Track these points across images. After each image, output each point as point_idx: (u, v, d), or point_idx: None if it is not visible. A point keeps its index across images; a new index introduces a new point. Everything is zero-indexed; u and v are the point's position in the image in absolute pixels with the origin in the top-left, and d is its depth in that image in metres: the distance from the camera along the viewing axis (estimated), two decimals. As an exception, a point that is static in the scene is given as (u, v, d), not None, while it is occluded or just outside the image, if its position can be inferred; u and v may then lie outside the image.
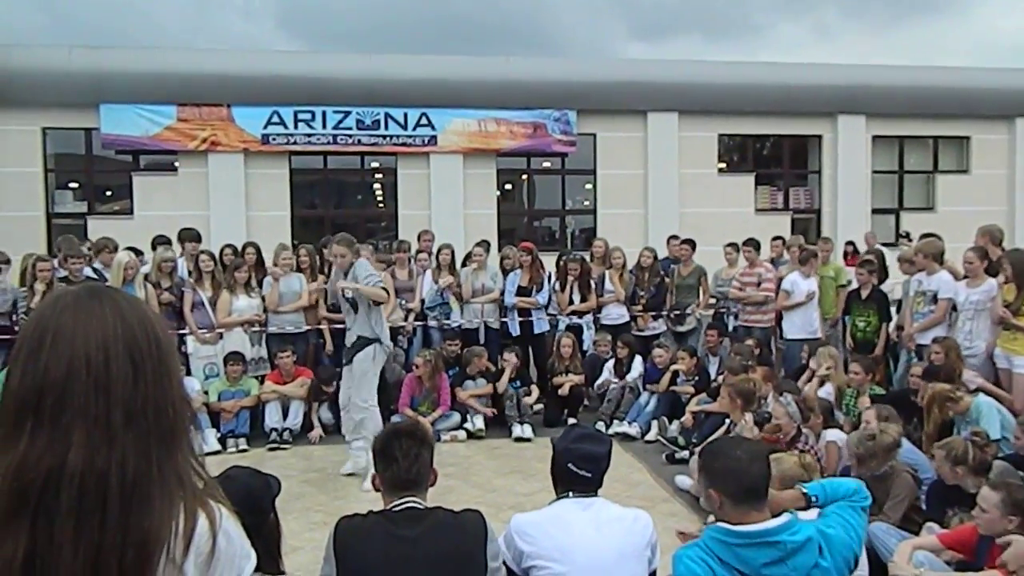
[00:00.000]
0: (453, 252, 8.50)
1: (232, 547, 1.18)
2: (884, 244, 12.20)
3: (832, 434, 5.08)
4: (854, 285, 7.67)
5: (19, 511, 1.05)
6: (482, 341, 8.12)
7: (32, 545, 1.05)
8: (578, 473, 2.77)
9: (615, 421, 7.36)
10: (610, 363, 7.84)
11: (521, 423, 7.24)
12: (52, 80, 11.22)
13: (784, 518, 2.35)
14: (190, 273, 7.84)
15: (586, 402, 8.07)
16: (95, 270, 7.95)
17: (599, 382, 7.81)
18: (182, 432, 1.20)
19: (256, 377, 7.39)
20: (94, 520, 1.07)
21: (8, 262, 7.88)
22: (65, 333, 1.12)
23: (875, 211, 13.71)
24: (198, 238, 8.32)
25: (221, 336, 7.47)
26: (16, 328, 6.96)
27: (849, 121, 13.41)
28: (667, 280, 8.61)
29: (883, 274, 8.00)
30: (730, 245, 8.70)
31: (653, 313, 8.42)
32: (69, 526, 1.05)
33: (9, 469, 1.06)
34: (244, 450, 6.79)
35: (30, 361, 1.11)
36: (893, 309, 7.56)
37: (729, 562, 2.28)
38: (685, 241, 8.89)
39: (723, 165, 13.70)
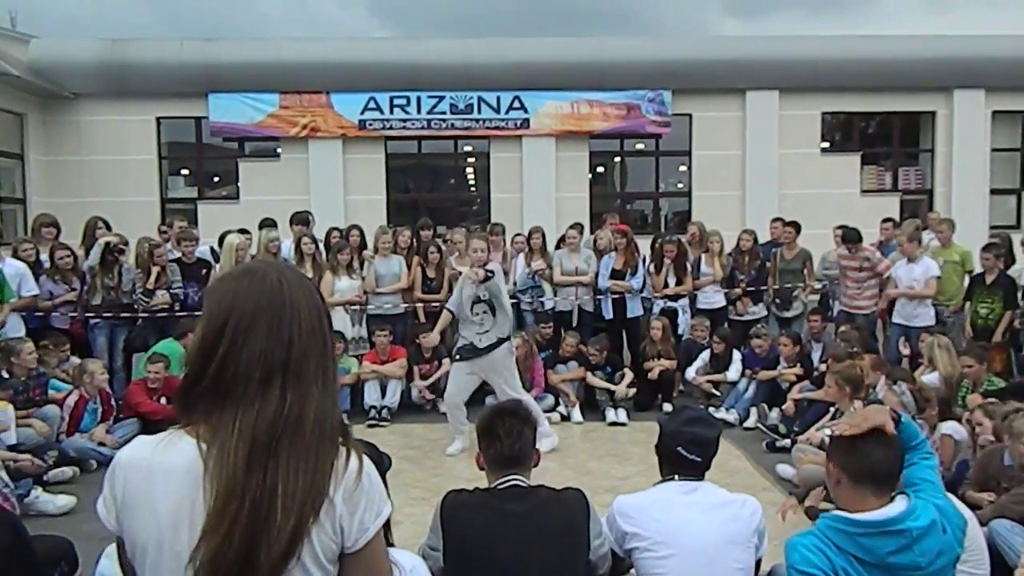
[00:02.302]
0: (544, 235, 8.50)
1: (374, 489, 1.35)
2: (1003, 227, 11.47)
3: (948, 427, 4.81)
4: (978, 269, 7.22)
5: (268, 452, 1.25)
6: (575, 324, 8.09)
7: (276, 479, 1.24)
8: (687, 457, 2.72)
9: (712, 407, 7.21)
10: (705, 354, 7.65)
11: (615, 407, 7.19)
12: (165, 72, 11.81)
13: (902, 503, 2.23)
14: (295, 254, 8.12)
15: (680, 387, 7.93)
16: (212, 250, 8.36)
17: (689, 375, 7.63)
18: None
19: (356, 356, 7.61)
20: (316, 456, 1.28)
21: (127, 244, 8.34)
22: (298, 304, 1.34)
23: (994, 191, 12.84)
24: (306, 222, 8.60)
25: (323, 316, 7.71)
26: (136, 307, 7.39)
27: (966, 96, 12.56)
28: (768, 264, 8.34)
29: (1010, 259, 7.50)
30: (840, 227, 8.35)
31: (751, 293, 8.19)
32: (305, 463, 1.26)
33: (263, 418, 1.26)
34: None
35: (273, 330, 1.31)
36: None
37: (850, 551, 2.18)
38: (790, 224, 8.58)
39: (826, 144, 13.10)
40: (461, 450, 6.20)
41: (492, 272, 5.96)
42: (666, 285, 8.20)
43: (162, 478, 1.28)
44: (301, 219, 8.58)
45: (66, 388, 6.39)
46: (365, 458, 1.36)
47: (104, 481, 1.35)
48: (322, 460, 1.28)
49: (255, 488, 1.22)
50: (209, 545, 1.21)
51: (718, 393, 7.43)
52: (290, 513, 1.23)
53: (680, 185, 13.31)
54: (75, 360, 6.86)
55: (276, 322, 1.31)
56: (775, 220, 9.12)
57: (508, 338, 6.14)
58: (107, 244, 7.30)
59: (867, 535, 2.18)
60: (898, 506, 2.23)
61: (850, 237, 7.92)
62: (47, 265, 7.32)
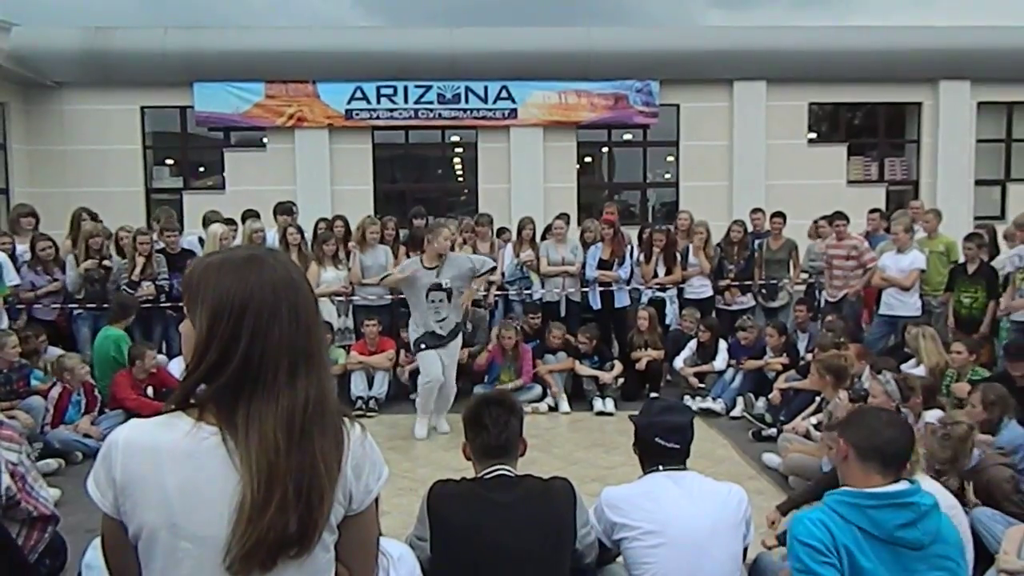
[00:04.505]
0: (535, 226, 8.49)
1: (374, 453, 1.44)
2: (988, 218, 11.56)
3: (933, 415, 4.83)
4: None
5: (304, 434, 1.30)
6: (563, 314, 8.09)
7: (314, 458, 1.30)
8: (666, 446, 2.75)
9: (698, 397, 7.25)
10: (693, 343, 7.68)
11: (602, 397, 7.21)
12: (149, 60, 11.70)
13: (905, 484, 2.30)
14: (280, 244, 8.06)
15: (668, 377, 7.96)
16: (200, 240, 8.29)
17: (677, 365, 7.66)
18: None
19: (342, 347, 7.58)
20: (336, 433, 1.36)
21: (111, 237, 8.26)
22: (305, 292, 1.39)
23: (979, 182, 12.96)
24: (290, 212, 8.56)
25: (309, 306, 7.66)
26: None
27: (952, 87, 12.65)
28: (756, 254, 8.37)
29: (994, 250, 7.55)
30: (824, 218, 8.39)
31: (739, 284, 8.21)
32: (331, 441, 1.34)
33: (298, 405, 1.31)
34: (332, 417, 6.98)
35: (292, 319, 1.34)
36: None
37: (859, 524, 2.22)
38: (776, 214, 8.61)
39: (813, 135, 13.17)
40: (428, 430, 6.36)
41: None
42: (655, 275, 8.22)
43: (170, 460, 1.27)
44: (285, 209, 8.54)
45: (50, 379, 6.34)
46: (363, 426, 1.44)
47: (97, 461, 1.33)
48: (339, 435, 1.36)
49: (296, 471, 1.27)
50: (256, 528, 1.24)
51: (703, 385, 7.46)
52: (331, 489, 1.32)
53: (668, 175, 13.35)
54: (54, 351, 6.80)
55: (294, 311, 1.34)
56: (754, 211, 9.15)
57: (462, 326, 6.45)
58: (86, 271, 7.19)
59: (878, 507, 2.23)
60: (903, 484, 2.30)
61: (839, 216, 8.01)
62: (26, 257, 7.24)
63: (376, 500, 1.44)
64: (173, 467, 1.27)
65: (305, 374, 1.33)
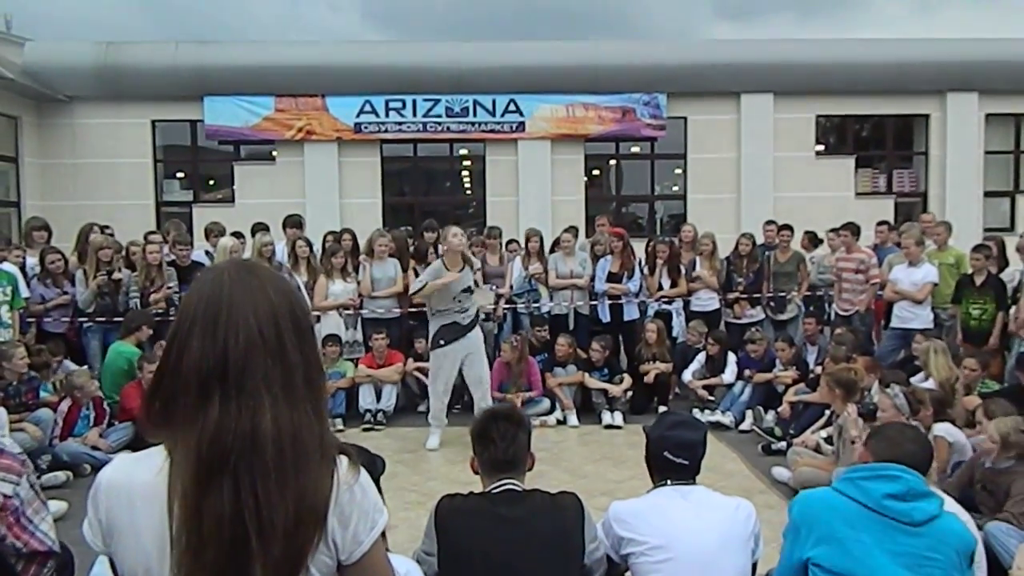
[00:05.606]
0: (542, 239, 8.51)
1: (367, 500, 1.27)
2: (997, 230, 11.50)
3: (942, 428, 4.81)
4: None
5: (219, 470, 1.14)
6: (572, 327, 8.09)
7: (237, 500, 1.14)
8: (674, 461, 2.73)
9: (707, 410, 7.22)
10: (702, 356, 7.66)
11: (611, 410, 7.19)
12: (160, 75, 11.79)
13: None
14: (289, 258, 8.10)
15: (676, 390, 7.93)
16: (207, 253, 8.33)
17: (686, 378, 7.63)
18: (326, 395, 1.35)
19: (351, 359, 7.59)
20: (295, 475, 1.17)
21: (121, 250, 8.29)
22: (238, 307, 1.21)
23: (988, 194, 12.90)
24: (299, 225, 8.60)
25: (318, 319, 7.69)
26: (124, 311, 7.35)
27: (960, 99, 12.62)
28: (764, 267, 8.35)
29: (1003, 262, 7.51)
30: (833, 231, 8.37)
31: (748, 297, 8.18)
32: (273, 481, 1.16)
33: (205, 434, 1.15)
34: (340, 430, 6.99)
35: (207, 336, 1.19)
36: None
37: (848, 493, 2.38)
38: (784, 227, 8.59)
39: (821, 147, 13.15)
40: (440, 443, 6.41)
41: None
42: (660, 287, 8.21)
43: (142, 502, 1.20)
44: (294, 222, 8.58)
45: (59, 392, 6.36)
46: (356, 467, 1.28)
47: (88, 502, 1.28)
48: (308, 481, 1.18)
49: (214, 510, 1.13)
50: (180, 569, 1.14)
51: (712, 398, 7.43)
52: (273, 539, 1.14)
53: (675, 188, 13.34)
54: (68, 365, 6.83)
55: (211, 326, 1.20)
56: (768, 223, 9.15)
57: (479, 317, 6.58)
58: (99, 287, 7.25)
59: (866, 478, 2.40)
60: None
61: (851, 229, 8.00)
62: (36, 270, 7.30)
63: (383, 533, 1.30)
64: (145, 510, 1.20)
65: (221, 400, 1.16)
